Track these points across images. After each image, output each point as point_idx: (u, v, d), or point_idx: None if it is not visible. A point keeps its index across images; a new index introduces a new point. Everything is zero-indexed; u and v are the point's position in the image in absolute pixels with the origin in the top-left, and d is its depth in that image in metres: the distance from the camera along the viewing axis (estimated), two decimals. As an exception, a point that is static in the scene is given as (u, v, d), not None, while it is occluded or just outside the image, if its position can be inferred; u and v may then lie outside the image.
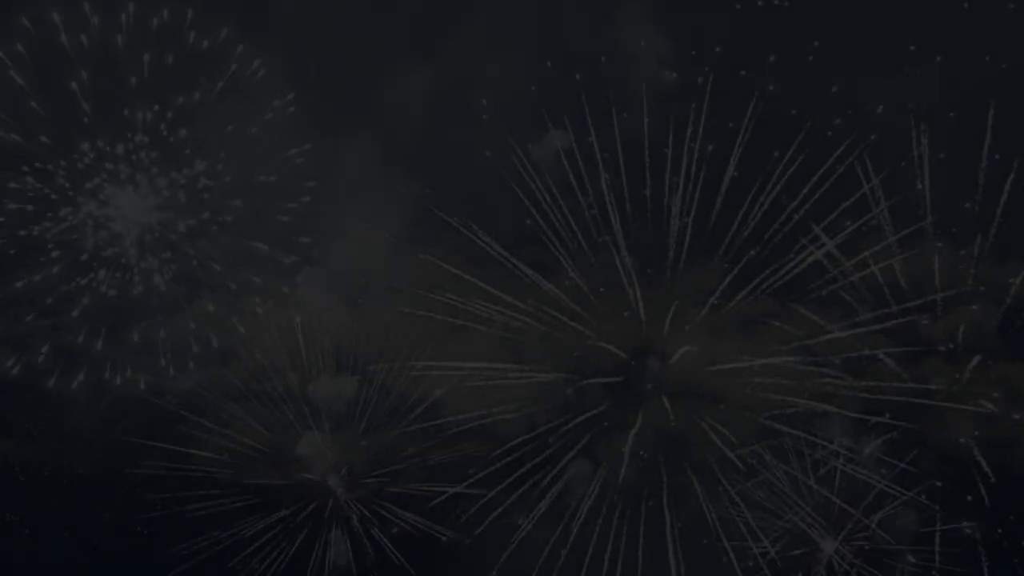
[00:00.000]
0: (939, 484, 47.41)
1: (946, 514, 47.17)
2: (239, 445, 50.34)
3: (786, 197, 49.62)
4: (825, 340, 48.92)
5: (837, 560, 46.89)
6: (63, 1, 48.90)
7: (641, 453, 48.41)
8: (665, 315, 49.81)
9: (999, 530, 46.92)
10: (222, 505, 48.59)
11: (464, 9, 55.03)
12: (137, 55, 49.38)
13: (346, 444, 50.56)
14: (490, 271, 52.14)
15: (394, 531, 47.65)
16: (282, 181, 53.91)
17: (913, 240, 50.10)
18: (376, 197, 53.27)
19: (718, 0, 53.77)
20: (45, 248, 51.62)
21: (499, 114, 54.42)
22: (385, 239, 52.84)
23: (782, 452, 48.95)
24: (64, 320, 50.23)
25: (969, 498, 47.26)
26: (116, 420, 50.80)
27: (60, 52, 48.27)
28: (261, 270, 53.54)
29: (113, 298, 50.41)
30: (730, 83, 52.18)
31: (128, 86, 49.89)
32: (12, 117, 48.09)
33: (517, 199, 51.92)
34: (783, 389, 48.53)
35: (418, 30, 56.40)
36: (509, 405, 50.27)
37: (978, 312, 49.00)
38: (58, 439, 51.38)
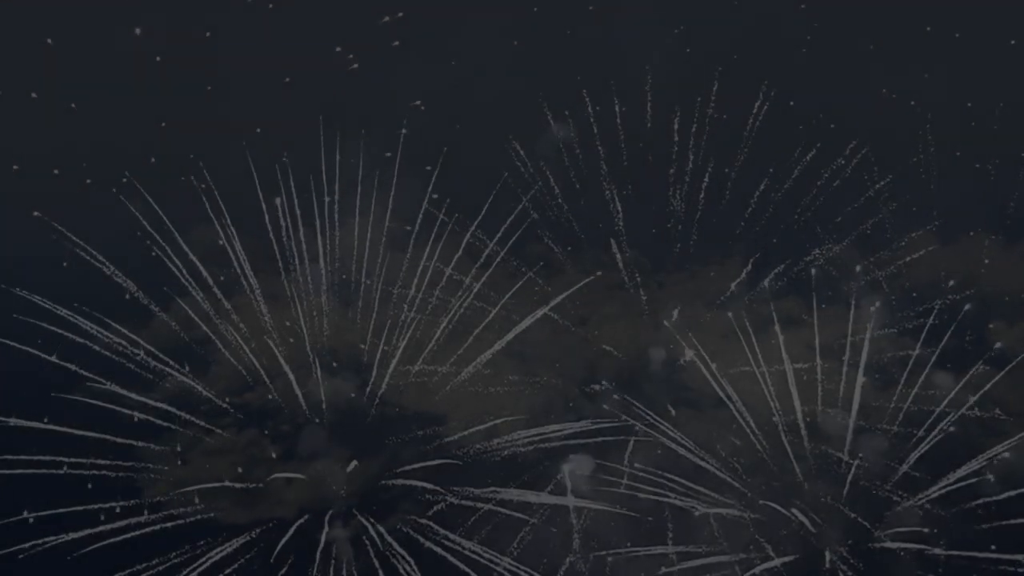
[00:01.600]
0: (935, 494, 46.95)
1: (952, 521, 46.68)
2: (233, 446, 49.45)
3: (798, 191, 49.35)
4: (846, 344, 47.82)
5: (840, 566, 46.41)
6: None
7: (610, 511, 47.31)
8: (675, 316, 49.37)
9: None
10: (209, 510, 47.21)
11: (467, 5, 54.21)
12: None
13: (346, 445, 49.54)
14: (492, 270, 51.67)
15: (396, 532, 46.80)
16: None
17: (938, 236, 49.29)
18: (376, 194, 52.49)
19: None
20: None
21: (500, 109, 53.60)
22: (385, 237, 52.07)
23: (787, 459, 48.38)
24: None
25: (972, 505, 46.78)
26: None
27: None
28: (259, 266, 52.73)
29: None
30: (735, 76, 51.49)
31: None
32: None
33: (518, 196, 51.16)
34: (799, 395, 48.22)
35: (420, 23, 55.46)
36: (512, 409, 49.67)
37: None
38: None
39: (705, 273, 50.53)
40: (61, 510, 43.22)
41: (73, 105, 54.23)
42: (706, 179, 50.50)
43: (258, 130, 51.64)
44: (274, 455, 48.65)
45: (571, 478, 47.49)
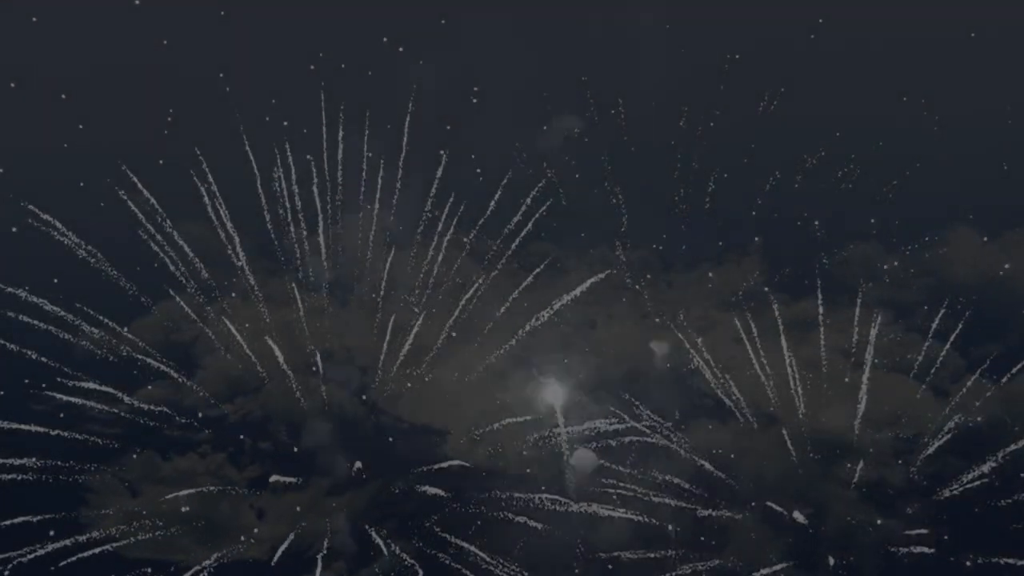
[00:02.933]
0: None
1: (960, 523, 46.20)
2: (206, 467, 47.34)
3: (811, 190, 48.18)
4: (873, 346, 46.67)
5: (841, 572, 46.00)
6: None
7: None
8: (687, 317, 48.85)
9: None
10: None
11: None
12: None
13: (348, 451, 48.04)
14: (497, 272, 51.08)
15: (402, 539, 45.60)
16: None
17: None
18: (380, 193, 51.52)
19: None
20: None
21: (505, 108, 52.70)
22: (386, 233, 51.00)
23: (791, 462, 47.68)
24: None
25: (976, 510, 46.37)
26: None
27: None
28: (257, 266, 51.69)
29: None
30: (743, 74, 50.73)
31: None
32: None
33: (523, 196, 50.27)
34: (810, 398, 47.64)
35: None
36: (518, 412, 48.45)
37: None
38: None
39: (717, 273, 49.59)
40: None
41: (63, 96, 51.48)
42: (712, 183, 49.81)
43: (267, 118, 49.93)
44: (258, 471, 46.16)
45: (575, 480, 46.77)
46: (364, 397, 49.75)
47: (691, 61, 53.30)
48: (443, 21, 51.30)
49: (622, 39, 54.52)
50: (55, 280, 47.09)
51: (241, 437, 46.00)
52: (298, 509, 43.79)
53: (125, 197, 49.14)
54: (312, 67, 50.23)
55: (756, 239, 47.91)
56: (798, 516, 45.87)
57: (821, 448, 47.50)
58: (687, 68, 53.52)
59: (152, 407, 46.55)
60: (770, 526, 46.19)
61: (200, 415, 46.78)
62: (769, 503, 46.81)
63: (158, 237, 48.88)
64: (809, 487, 46.85)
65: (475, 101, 52.92)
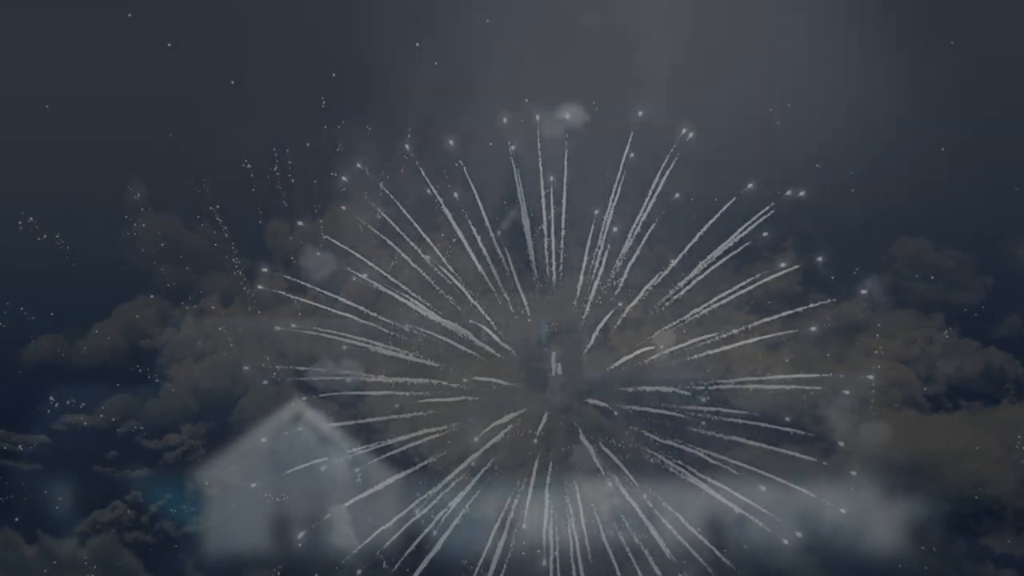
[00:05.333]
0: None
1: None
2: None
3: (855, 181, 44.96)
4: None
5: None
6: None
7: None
8: (713, 321, 43.88)
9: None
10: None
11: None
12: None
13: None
14: (496, 274, 46.73)
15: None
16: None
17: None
18: (380, 192, 47.97)
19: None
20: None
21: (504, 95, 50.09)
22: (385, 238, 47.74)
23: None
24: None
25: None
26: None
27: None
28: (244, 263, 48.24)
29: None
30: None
31: None
32: None
33: (523, 195, 46.95)
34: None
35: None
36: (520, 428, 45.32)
37: None
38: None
39: (747, 272, 45.97)
40: None
41: (47, 106, 49.01)
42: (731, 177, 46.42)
43: (265, 111, 47.20)
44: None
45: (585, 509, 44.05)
46: (355, 413, 46.75)
47: (698, 55, 50.55)
48: (487, 20, 49.08)
49: (625, 32, 51.99)
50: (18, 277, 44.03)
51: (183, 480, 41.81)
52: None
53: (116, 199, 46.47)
54: (331, 71, 47.56)
55: (790, 234, 44.31)
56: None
57: (873, 467, 44.54)
58: (695, 62, 50.67)
59: (112, 420, 43.07)
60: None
61: (142, 445, 43.18)
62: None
63: (134, 231, 45.86)
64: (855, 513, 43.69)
65: (473, 95, 49.40)
